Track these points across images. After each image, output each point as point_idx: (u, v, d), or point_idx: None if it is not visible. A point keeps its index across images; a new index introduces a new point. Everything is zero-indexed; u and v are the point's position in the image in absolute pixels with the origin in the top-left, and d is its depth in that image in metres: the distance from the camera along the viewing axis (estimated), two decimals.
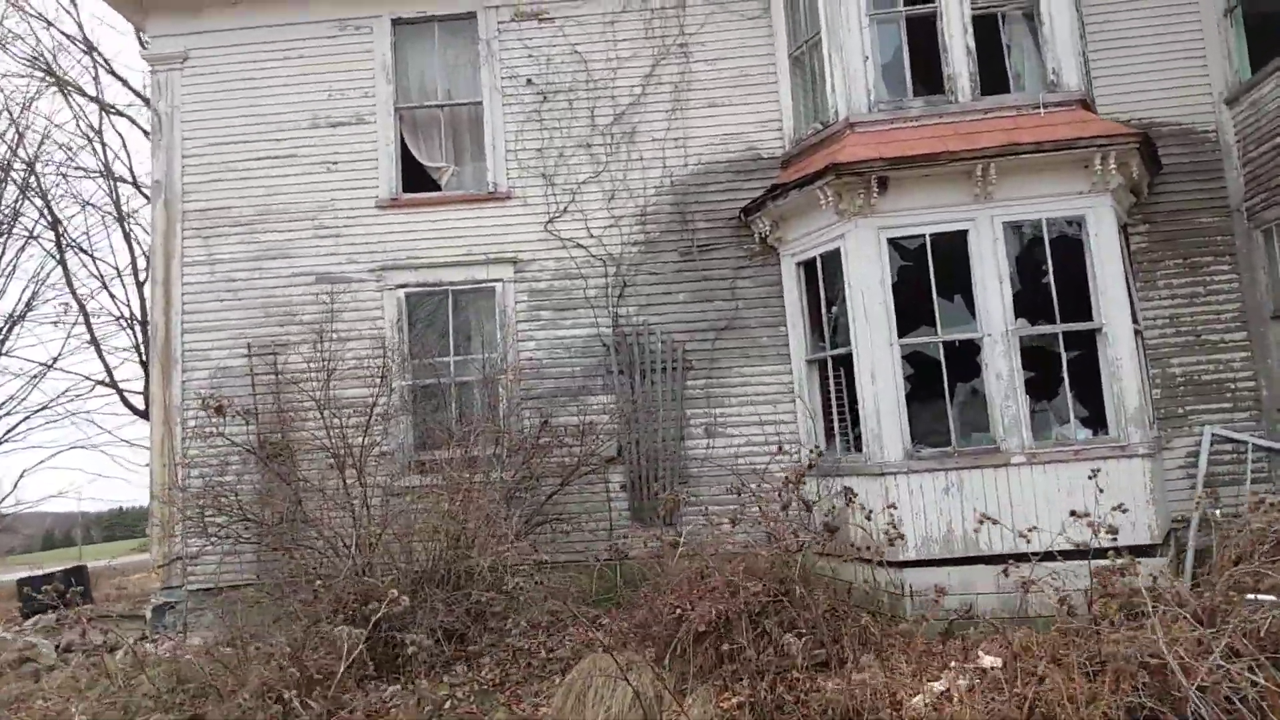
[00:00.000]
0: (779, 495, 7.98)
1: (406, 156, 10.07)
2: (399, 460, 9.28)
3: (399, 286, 9.72)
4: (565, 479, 8.72)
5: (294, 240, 9.84)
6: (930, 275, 8.13)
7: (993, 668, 5.67)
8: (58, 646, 9.50)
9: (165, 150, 10.00)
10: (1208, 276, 9.16)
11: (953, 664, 5.86)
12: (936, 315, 8.15)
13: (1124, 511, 6.59)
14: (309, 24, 10.07)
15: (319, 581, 7.05)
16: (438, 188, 10.09)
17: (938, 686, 5.59)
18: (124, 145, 28.57)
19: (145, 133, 17.25)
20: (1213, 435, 8.83)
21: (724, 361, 9.42)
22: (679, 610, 6.62)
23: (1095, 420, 8.12)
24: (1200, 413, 8.96)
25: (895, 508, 7.61)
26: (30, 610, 10.76)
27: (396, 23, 10.08)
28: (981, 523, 7.48)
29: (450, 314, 9.73)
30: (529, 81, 9.92)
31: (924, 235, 8.21)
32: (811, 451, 8.59)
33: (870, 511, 7.70)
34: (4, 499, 27.89)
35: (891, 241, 8.28)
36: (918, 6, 8.68)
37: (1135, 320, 8.22)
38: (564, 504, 9.08)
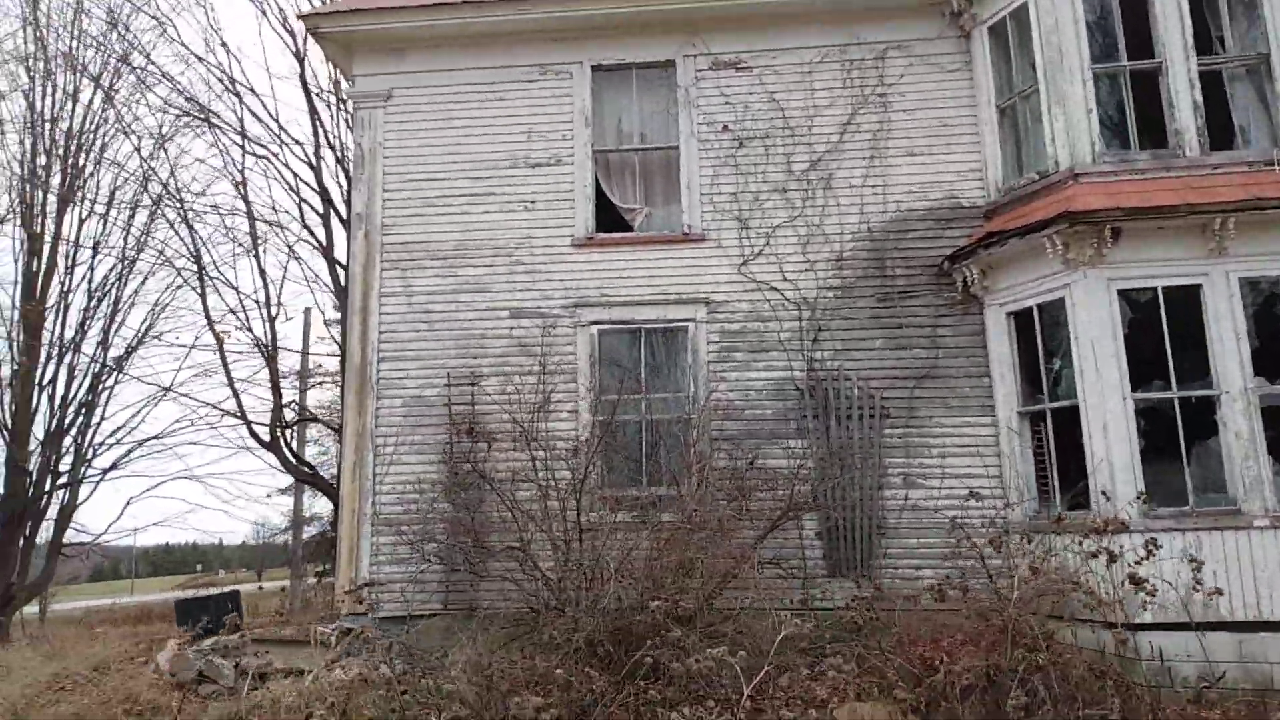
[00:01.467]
0: (997, 551, 7.78)
1: (600, 197, 10.22)
2: (590, 495, 9.21)
3: (592, 323, 9.78)
4: (775, 522, 8.56)
5: (490, 275, 10.00)
6: (1164, 329, 7.94)
7: None
8: (235, 667, 9.53)
9: (366, 184, 10.29)
10: None
11: None
12: (1171, 370, 7.93)
13: None
14: (510, 68, 10.37)
15: (557, 612, 6.97)
16: (629, 228, 10.21)
17: None
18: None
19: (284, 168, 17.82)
20: None
21: (923, 411, 9.26)
22: (935, 663, 6.40)
23: None
24: None
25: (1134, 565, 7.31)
26: (198, 631, 10.84)
27: (596, 69, 10.33)
28: (1219, 590, 7.19)
29: (642, 352, 9.75)
30: (725, 128, 10.05)
31: (1156, 288, 8.05)
32: (1024, 505, 8.36)
33: (1098, 572, 7.41)
34: (110, 525, 28.53)
35: (1121, 293, 8.12)
36: (1141, 61, 8.64)
37: None
38: (759, 549, 8.91)
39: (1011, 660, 6.31)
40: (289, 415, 19.06)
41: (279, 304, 19.93)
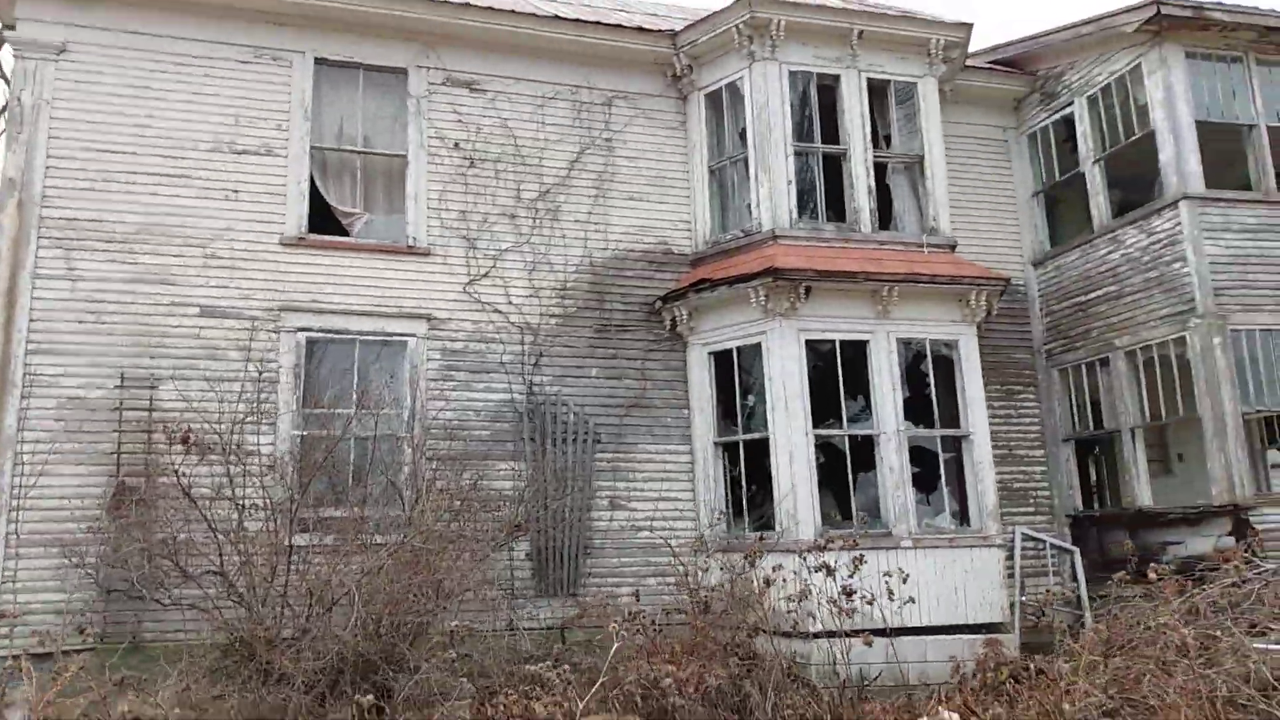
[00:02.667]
0: (688, 570, 8.45)
1: (315, 197, 9.56)
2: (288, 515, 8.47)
3: (299, 330, 9.07)
4: (500, 543, 8.47)
5: (179, 267, 8.88)
6: (839, 376, 9.20)
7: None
8: None
9: (26, 147, 8.68)
10: (1019, 402, 11.15)
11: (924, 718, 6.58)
12: (843, 411, 9.19)
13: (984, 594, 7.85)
14: (223, 44, 9.39)
15: (267, 643, 6.29)
16: (345, 233, 9.66)
17: None
18: None
19: None
20: (1022, 534, 10.58)
21: (630, 438, 9.78)
22: (661, 676, 6.76)
23: (962, 514, 9.47)
24: (1014, 514, 10.71)
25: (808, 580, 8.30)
26: None
27: (321, 62, 9.69)
28: (872, 601, 8.42)
29: (355, 365, 9.22)
30: (457, 145, 9.95)
31: (835, 340, 9.32)
32: (717, 526, 9.16)
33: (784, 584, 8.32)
34: None
35: (808, 343, 9.27)
36: (831, 146, 10.04)
37: None
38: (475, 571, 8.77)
39: (728, 669, 6.87)
40: None
41: None
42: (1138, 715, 5.79)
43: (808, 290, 9.14)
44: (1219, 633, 6.20)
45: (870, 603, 8.35)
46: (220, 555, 7.27)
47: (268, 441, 8.68)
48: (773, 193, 9.68)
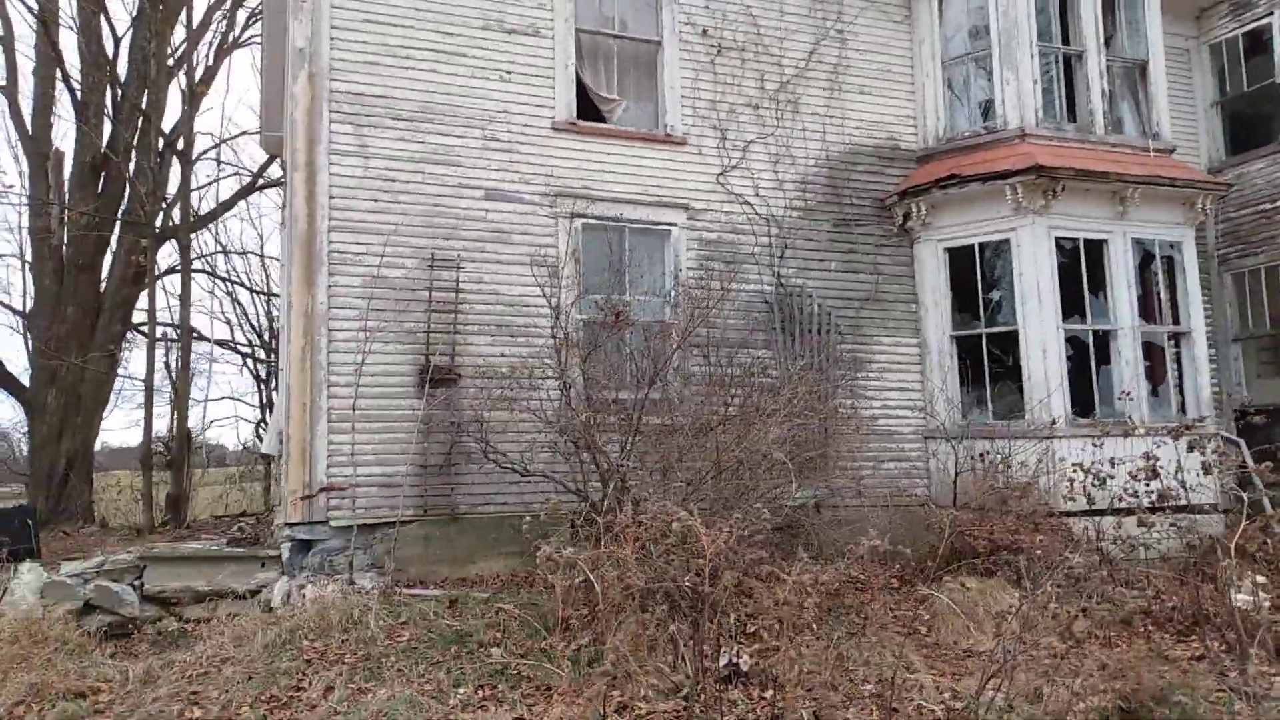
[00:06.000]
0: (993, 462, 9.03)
1: (577, 82, 9.51)
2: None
3: (575, 216, 9.17)
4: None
5: (462, 148, 8.86)
6: (1082, 273, 9.67)
7: None
8: (138, 590, 7.63)
9: (310, 15, 8.45)
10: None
11: None
12: (1087, 307, 9.71)
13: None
14: None
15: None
16: (601, 119, 9.66)
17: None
18: None
19: None
20: None
21: (866, 330, 10.19)
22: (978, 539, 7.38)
23: (1182, 405, 10.16)
24: None
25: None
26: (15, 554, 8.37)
27: None
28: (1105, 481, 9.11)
29: (626, 252, 9.39)
30: (705, 32, 9.92)
31: (1079, 239, 9.75)
32: (951, 415, 9.73)
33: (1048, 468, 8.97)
34: None
35: (1055, 240, 9.70)
36: (1069, 46, 10.24)
37: None
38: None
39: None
40: None
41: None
42: None
43: (1061, 188, 9.50)
44: None
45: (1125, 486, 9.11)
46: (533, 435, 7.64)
47: (551, 325, 8.88)
48: (1020, 91, 9.91)
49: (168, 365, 16.99)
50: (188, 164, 15.09)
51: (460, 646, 6.29)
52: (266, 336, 19.23)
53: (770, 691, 5.84)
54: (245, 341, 19.60)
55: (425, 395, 8.31)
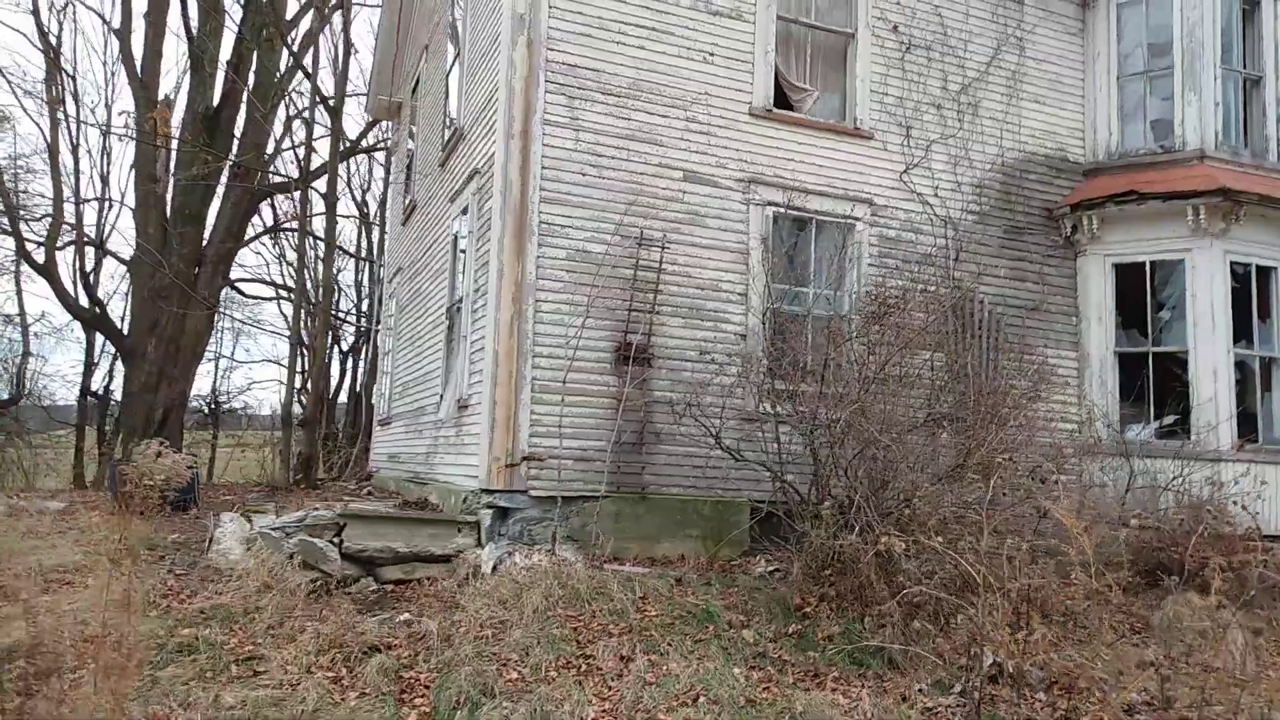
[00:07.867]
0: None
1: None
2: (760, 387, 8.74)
3: (768, 204, 9.13)
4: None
5: (664, 128, 8.80)
6: (1252, 298, 9.73)
7: None
8: (338, 547, 7.56)
9: None
10: None
11: None
12: (1255, 332, 9.77)
13: None
14: None
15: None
16: (791, 108, 9.61)
17: None
18: None
19: None
20: None
21: (1030, 340, 10.19)
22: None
23: None
24: None
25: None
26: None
27: None
28: None
29: (812, 243, 9.36)
30: (896, 28, 9.88)
31: (1251, 265, 9.79)
32: (1110, 431, 9.76)
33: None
34: None
35: (1230, 264, 9.74)
36: (1251, 71, 10.27)
37: None
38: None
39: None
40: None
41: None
42: None
43: (1242, 213, 9.54)
44: None
45: None
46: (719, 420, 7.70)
47: (739, 311, 8.89)
48: (1201, 112, 9.94)
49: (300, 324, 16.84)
50: (306, 123, 14.92)
51: (714, 625, 6.28)
52: (365, 304, 19.09)
53: (1041, 694, 5.89)
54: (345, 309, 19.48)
55: (627, 373, 8.27)
